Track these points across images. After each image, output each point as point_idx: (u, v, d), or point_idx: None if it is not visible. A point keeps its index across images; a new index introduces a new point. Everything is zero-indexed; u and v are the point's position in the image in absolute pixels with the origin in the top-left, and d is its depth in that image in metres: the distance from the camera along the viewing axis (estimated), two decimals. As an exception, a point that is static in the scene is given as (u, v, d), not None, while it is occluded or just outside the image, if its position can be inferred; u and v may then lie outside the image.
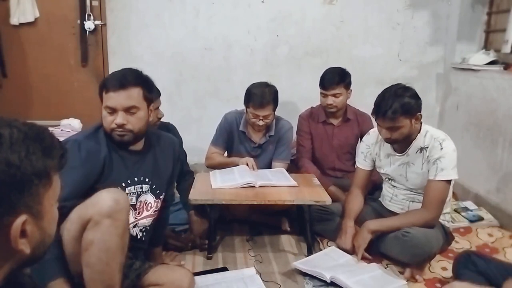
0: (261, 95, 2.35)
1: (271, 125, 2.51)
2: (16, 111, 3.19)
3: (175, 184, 1.97)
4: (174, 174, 1.86)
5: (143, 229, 1.70)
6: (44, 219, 0.75)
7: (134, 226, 1.64)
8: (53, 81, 3.23)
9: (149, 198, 1.67)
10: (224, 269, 2.01)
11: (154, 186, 1.67)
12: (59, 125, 2.60)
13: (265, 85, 2.44)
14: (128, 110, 1.52)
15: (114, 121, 1.52)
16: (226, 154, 2.62)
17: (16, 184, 0.69)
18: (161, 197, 1.72)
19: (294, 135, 2.82)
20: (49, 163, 0.75)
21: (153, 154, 1.69)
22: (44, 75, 3.22)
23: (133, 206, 1.61)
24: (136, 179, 1.61)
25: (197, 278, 1.87)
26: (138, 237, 1.67)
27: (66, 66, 3.23)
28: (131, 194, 1.60)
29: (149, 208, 1.68)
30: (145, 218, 1.68)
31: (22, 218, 0.69)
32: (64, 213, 1.42)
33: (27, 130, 0.74)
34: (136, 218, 1.65)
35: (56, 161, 0.77)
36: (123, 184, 1.57)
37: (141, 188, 1.63)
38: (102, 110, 1.55)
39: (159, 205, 1.73)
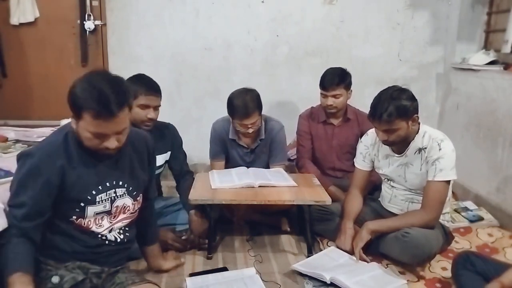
0: (244, 105, 2.28)
1: (260, 129, 2.44)
2: (16, 111, 3.19)
3: (153, 179, 1.87)
4: (152, 170, 1.77)
5: (121, 230, 1.63)
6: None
7: (110, 231, 1.58)
8: (53, 81, 3.22)
9: (127, 201, 1.61)
10: (224, 269, 2.01)
11: (130, 188, 1.61)
12: (59, 125, 2.58)
13: (245, 92, 2.35)
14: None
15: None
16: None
17: None
18: (138, 198, 1.66)
19: (293, 135, 2.83)
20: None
21: (128, 155, 1.61)
22: (44, 75, 3.22)
23: (108, 212, 1.55)
24: (108, 184, 1.54)
25: (197, 278, 1.88)
26: (119, 240, 1.60)
27: (66, 66, 3.23)
28: (104, 201, 1.53)
29: (126, 211, 1.62)
30: (121, 221, 1.62)
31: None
32: (36, 230, 1.43)
33: None
34: (111, 223, 1.58)
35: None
36: (93, 192, 1.50)
37: (115, 192, 1.56)
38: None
39: (136, 207, 1.66)
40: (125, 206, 1.60)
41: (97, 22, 3.18)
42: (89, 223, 1.52)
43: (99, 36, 3.22)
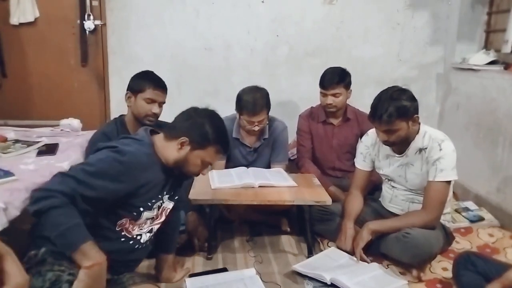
0: (254, 102, 2.31)
1: (265, 128, 2.47)
2: (16, 111, 3.18)
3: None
4: None
5: (152, 233, 1.66)
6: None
7: (147, 232, 1.61)
8: (53, 81, 3.22)
9: (168, 204, 1.67)
10: (224, 269, 2.01)
11: (172, 193, 1.68)
12: (59, 125, 2.59)
13: (256, 90, 2.39)
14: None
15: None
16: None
17: None
18: (175, 199, 1.72)
19: (293, 135, 2.82)
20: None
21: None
22: (44, 75, 3.22)
23: (151, 217, 1.60)
24: (165, 192, 1.63)
25: (197, 278, 1.88)
26: (146, 239, 1.62)
27: (66, 66, 3.23)
28: (155, 208, 1.59)
29: (167, 212, 1.68)
30: (159, 224, 1.66)
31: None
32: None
33: None
34: (152, 223, 1.62)
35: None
36: (153, 200, 1.56)
37: (162, 199, 1.63)
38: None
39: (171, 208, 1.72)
40: (165, 208, 1.66)
41: (97, 22, 3.17)
42: (135, 226, 1.55)
43: (99, 36, 3.21)
